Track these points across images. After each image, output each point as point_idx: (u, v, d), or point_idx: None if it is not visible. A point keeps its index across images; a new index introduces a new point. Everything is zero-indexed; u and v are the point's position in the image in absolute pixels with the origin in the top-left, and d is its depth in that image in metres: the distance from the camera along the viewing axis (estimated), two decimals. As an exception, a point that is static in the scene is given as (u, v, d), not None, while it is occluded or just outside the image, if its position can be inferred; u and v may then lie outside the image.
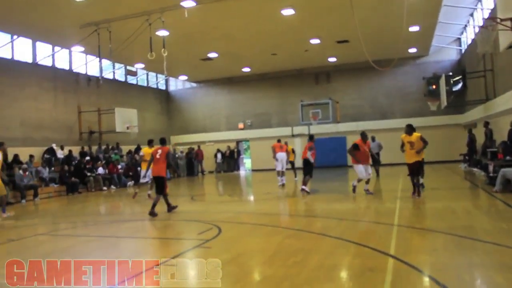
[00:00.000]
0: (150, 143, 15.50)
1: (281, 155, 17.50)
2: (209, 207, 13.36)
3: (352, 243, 6.82)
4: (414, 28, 21.50)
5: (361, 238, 7.16)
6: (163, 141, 12.07)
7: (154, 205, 11.11)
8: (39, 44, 22.73)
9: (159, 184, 11.37)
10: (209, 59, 26.06)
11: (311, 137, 14.53)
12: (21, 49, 21.94)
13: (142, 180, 15.88)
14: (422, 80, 27.30)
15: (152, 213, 10.93)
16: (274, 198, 14.29)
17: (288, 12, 18.40)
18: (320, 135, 27.33)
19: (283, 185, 17.25)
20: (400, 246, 6.54)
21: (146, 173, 14.06)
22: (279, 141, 18.70)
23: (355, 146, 12.67)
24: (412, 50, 26.99)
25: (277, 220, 9.46)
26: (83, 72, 25.84)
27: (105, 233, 9.50)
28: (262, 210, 11.73)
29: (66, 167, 20.31)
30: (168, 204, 11.55)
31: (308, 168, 14.00)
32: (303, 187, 13.83)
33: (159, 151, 11.42)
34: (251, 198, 15.40)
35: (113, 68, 28.05)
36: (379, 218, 9.18)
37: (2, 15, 17.55)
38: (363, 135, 12.99)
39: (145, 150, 15.46)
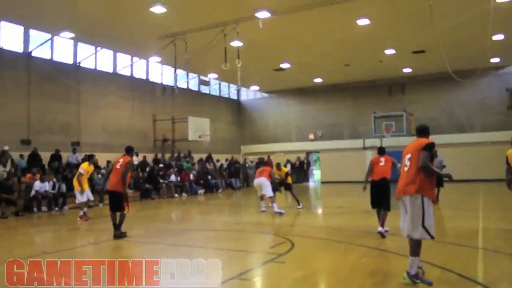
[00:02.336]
0: (90, 158, 13.86)
1: (256, 181, 13.96)
2: (280, 219, 13.18)
3: (434, 266, 6.39)
4: (498, 37, 20.24)
5: (443, 261, 6.69)
6: (128, 150, 10.11)
7: (119, 225, 9.58)
8: (119, 55, 23.81)
9: (116, 200, 9.60)
10: (282, 69, 26.08)
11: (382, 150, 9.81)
12: (103, 60, 23.10)
13: (81, 200, 13.35)
14: (506, 91, 25.77)
15: (118, 235, 9.51)
16: (347, 213, 13.89)
17: (363, 22, 18.02)
18: (393, 148, 26.31)
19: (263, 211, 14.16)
20: (488, 273, 6.06)
21: (85, 193, 13.01)
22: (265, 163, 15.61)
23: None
24: (495, 60, 25.45)
25: (351, 237, 9.09)
26: (159, 81, 26.74)
27: (178, 241, 9.62)
28: (335, 224, 11.41)
29: (140, 174, 21.02)
30: (118, 227, 9.58)
31: (388, 193, 9.14)
32: (381, 229, 9.05)
33: (121, 160, 9.73)
34: (323, 211, 15.08)
35: (187, 77, 28.78)
36: (460, 240, 8.60)
37: (88, 29, 18.65)
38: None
39: (85, 167, 13.47)
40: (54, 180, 16.72)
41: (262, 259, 7.28)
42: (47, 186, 16.21)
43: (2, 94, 16.49)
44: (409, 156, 5.70)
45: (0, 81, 17.86)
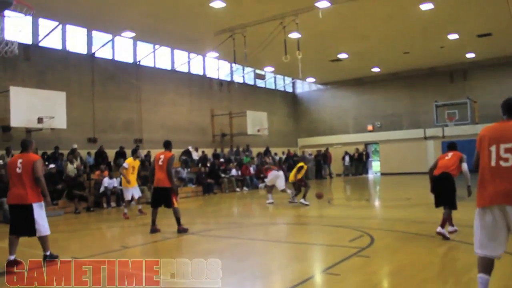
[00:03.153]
0: (134, 153, 13.38)
1: (275, 173, 14.87)
2: (350, 212, 12.94)
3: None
4: None
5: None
6: (167, 145, 9.99)
7: (178, 220, 9.54)
8: (176, 52, 24.13)
9: (162, 197, 9.54)
10: (339, 60, 25.60)
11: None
12: (161, 57, 23.50)
13: (125, 198, 13.36)
14: None
15: (181, 230, 9.52)
16: (417, 205, 13.41)
17: (427, 6, 17.35)
18: (456, 137, 25.39)
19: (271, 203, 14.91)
20: None
21: (129, 190, 12.90)
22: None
23: None
24: None
25: (431, 229, 8.66)
26: (215, 77, 26.92)
27: (254, 235, 9.64)
28: (409, 216, 11.01)
29: (202, 169, 21.25)
30: (178, 222, 9.56)
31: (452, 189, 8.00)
32: (443, 230, 7.86)
33: (162, 156, 9.58)
34: (391, 203, 14.66)
35: (243, 72, 28.82)
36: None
37: (148, 27, 18.96)
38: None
39: (129, 161, 13.20)
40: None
41: (344, 253, 7.03)
42: (115, 182, 16.65)
43: (69, 95, 17.06)
44: (510, 145, 4.08)
45: (67, 83, 18.51)
